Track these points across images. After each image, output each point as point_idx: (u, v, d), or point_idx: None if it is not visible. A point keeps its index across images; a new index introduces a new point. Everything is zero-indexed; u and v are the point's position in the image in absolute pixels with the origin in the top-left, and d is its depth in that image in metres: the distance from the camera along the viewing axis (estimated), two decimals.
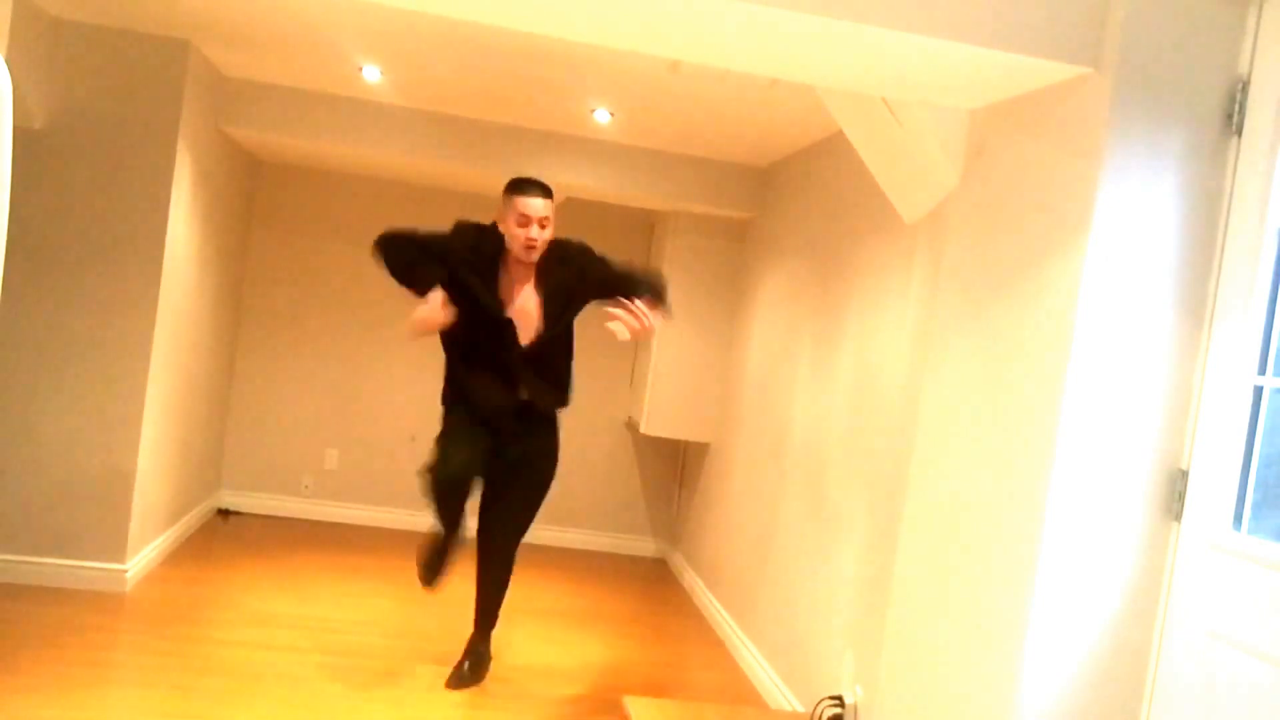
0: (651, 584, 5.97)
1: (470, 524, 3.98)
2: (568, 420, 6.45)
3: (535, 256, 3.71)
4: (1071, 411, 2.13)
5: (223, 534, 5.76)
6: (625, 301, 3.56)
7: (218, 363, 5.83)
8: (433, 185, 6.32)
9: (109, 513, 4.44)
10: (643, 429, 5.88)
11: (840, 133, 4.16)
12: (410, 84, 4.76)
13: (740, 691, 4.30)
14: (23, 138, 4.27)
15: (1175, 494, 2.15)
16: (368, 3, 3.46)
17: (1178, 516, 2.15)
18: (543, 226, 3.67)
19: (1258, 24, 2.11)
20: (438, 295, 3.57)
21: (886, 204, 3.57)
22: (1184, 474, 2.14)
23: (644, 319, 3.53)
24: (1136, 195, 2.12)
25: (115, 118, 4.39)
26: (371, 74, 4.63)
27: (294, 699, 3.60)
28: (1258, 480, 2.03)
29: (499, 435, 3.82)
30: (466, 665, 3.95)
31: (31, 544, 4.40)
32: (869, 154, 3.17)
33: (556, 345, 3.88)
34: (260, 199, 6.22)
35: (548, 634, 4.72)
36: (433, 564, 3.87)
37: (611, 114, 4.81)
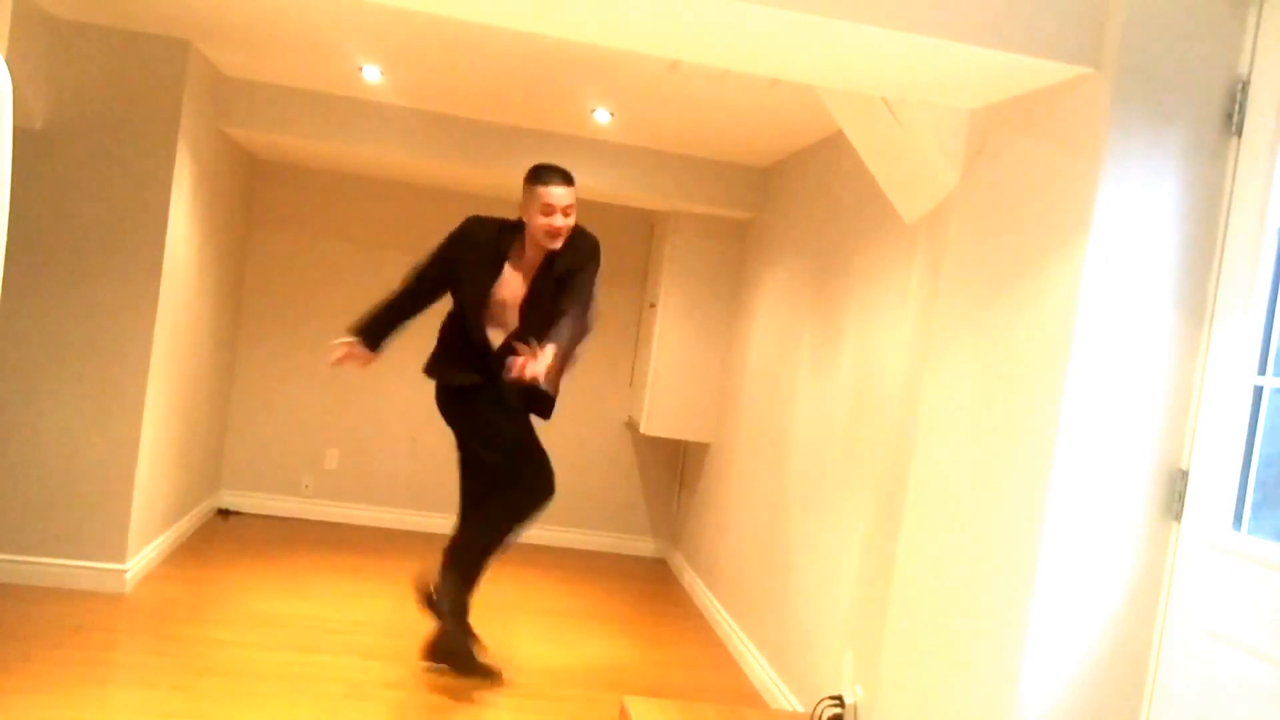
0: (651, 584, 5.97)
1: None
2: (567, 420, 6.47)
3: (559, 243, 3.76)
4: (1071, 411, 2.13)
5: (223, 534, 5.76)
6: (527, 347, 3.49)
7: (218, 363, 5.82)
8: (432, 185, 6.32)
9: (109, 513, 4.44)
10: (643, 429, 5.88)
11: (840, 133, 4.16)
12: (410, 84, 4.76)
13: (740, 691, 4.30)
14: (23, 138, 4.27)
15: (1175, 494, 2.15)
16: (368, 3, 3.46)
17: (1178, 516, 2.15)
18: (566, 214, 3.73)
19: (1258, 24, 2.11)
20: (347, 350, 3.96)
21: (886, 204, 3.57)
22: (1184, 474, 2.14)
23: (529, 366, 3.40)
24: (1136, 195, 2.12)
25: (115, 118, 4.39)
26: (371, 74, 4.63)
27: (294, 699, 3.60)
28: (1258, 480, 2.03)
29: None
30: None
31: (31, 544, 4.40)
32: (869, 154, 3.17)
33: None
34: (260, 199, 6.22)
35: (548, 634, 4.72)
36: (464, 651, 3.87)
37: (611, 114, 4.81)
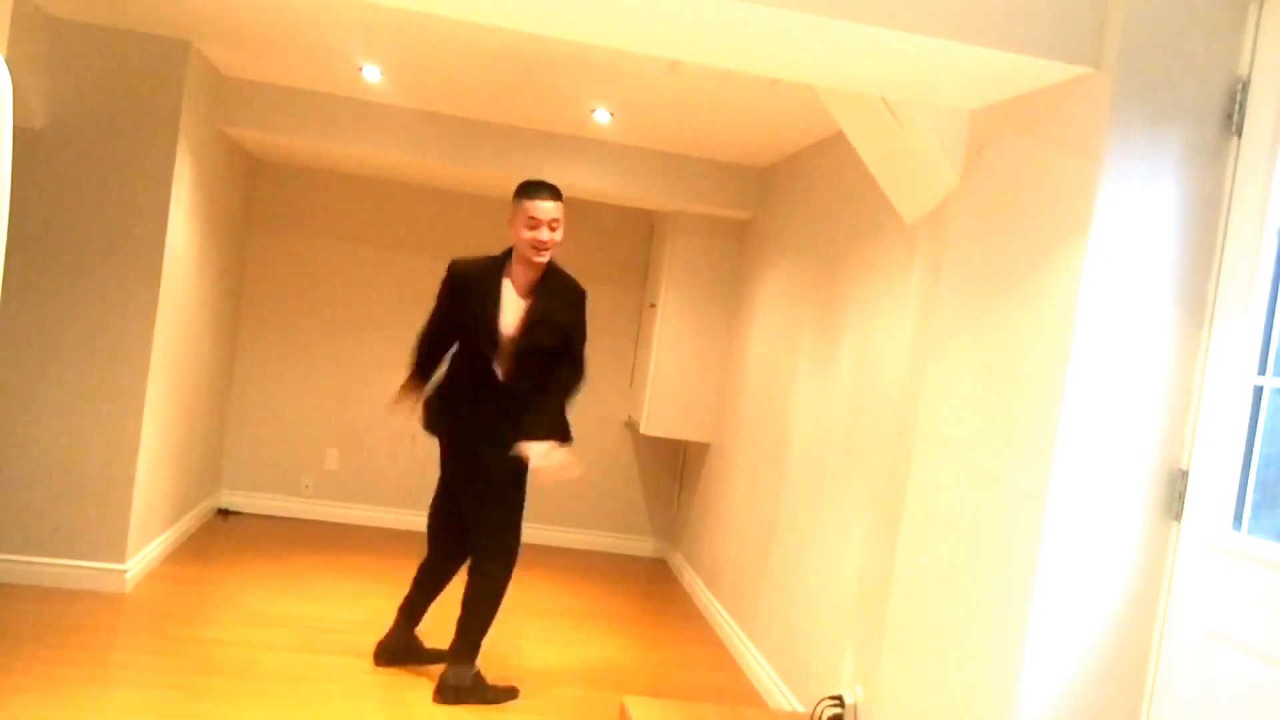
0: (651, 584, 5.97)
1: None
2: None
3: (545, 258, 3.75)
4: (1071, 411, 2.13)
5: (223, 534, 5.76)
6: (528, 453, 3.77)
7: (218, 363, 5.83)
8: (433, 185, 6.32)
9: (109, 513, 4.44)
10: (643, 429, 5.88)
11: (840, 133, 4.16)
12: (410, 84, 4.76)
13: (740, 691, 4.30)
14: (23, 138, 4.27)
15: (1175, 494, 2.15)
16: (368, 3, 3.46)
17: (1178, 516, 2.15)
18: (552, 229, 3.72)
19: (1258, 24, 2.11)
20: (407, 405, 3.97)
21: (886, 204, 3.57)
22: (1184, 474, 2.14)
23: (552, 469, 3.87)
24: (1136, 195, 2.13)
25: (115, 118, 4.39)
26: (371, 74, 4.63)
27: (294, 699, 3.60)
28: (1258, 480, 2.03)
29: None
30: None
31: (31, 544, 4.40)
32: (869, 154, 3.17)
33: (530, 377, 3.82)
34: (260, 199, 6.22)
35: (548, 634, 4.72)
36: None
37: (611, 114, 4.81)
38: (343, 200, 6.31)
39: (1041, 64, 2.23)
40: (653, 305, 6.03)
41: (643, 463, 6.61)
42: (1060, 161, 2.26)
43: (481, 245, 4.02)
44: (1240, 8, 2.13)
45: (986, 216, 2.55)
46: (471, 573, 3.86)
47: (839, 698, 3.25)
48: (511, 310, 3.77)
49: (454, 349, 3.92)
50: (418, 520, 6.28)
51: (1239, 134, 2.11)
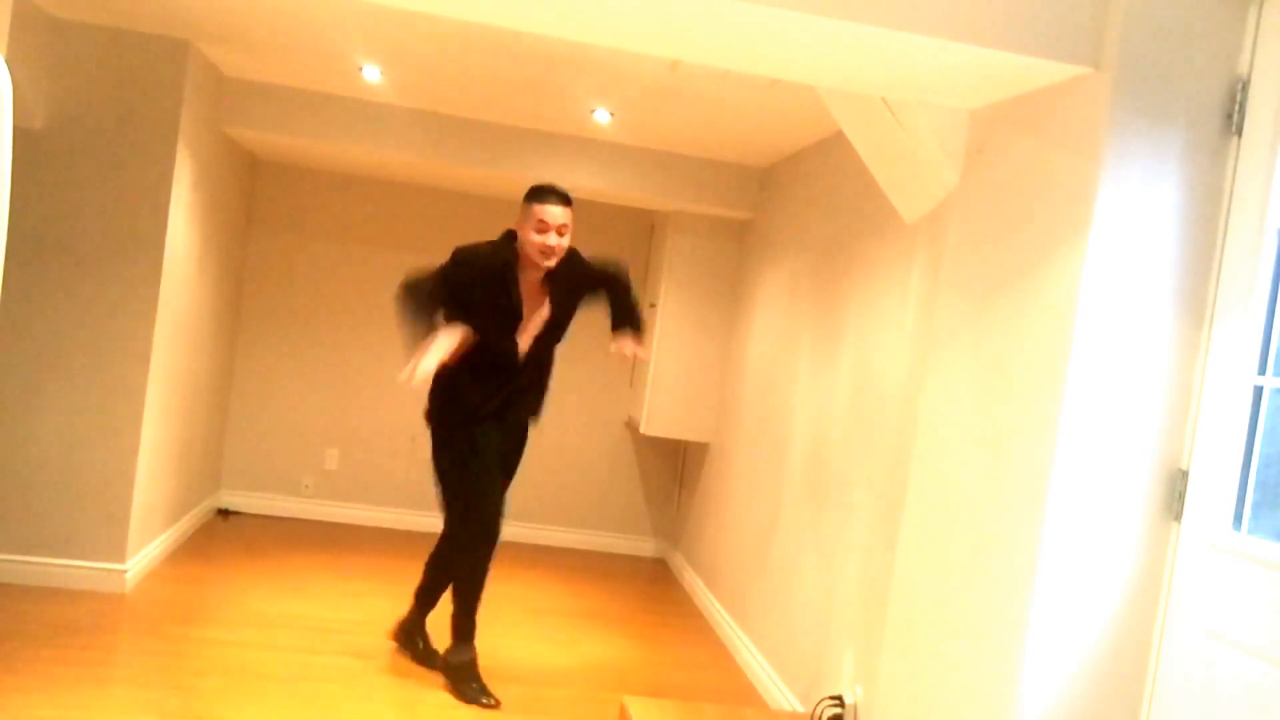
0: (651, 584, 5.97)
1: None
2: (567, 420, 6.47)
3: (552, 263, 3.76)
4: (1071, 411, 2.13)
5: (223, 534, 5.76)
6: (622, 341, 3.90)
7: (218, 363, 5.83)
8: (433, 185, 6.32)
9: (109, 513, 4.44)
10: (643, 429, 5.88)
11: (840, 133, 4.16)
12: (410, 84, 4.76)
13: (740, 691, 4.30)
14: (23, 138, 4.27)
15: (1175, 494, 2.15)
16: (368, 3, 3.46)
17: (1178, 516, 2.15)
18: (561, 234, 3.74)
19: (1258, 24, 2.11)
20: (456, 333, 3.67)
21: (886, 204, 3.57)
22: (1184, 474, 2.14)
23: (637, 353, 3.92)
24: (1136, 195, 2.13)
25: (115, 118, 4.39)
26: (371, 74, 4.63)
27: (294, 699, 3.60)
28: (1258, 480, 2.03)
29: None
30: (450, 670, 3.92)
31: (31, 544, 4.40)
32: (869, 154, 3.17)
33: (546, 355, 3.99)
34: (260, 199, 6.22)
35: (548, 634, 4.72)
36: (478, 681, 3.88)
37: (611, 114, 4.81)
38: (343, 200, 6.31)
39: (1041, 64, 2.23)
40: (653, 305, 6.03)
41: (643, 463, 6.61)
42: (1060, 161, 2.26)
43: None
44: (1240, 8, 2.13)
45: (986, 217, 2.55)
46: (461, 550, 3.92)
47: (839, 698, 3.25)
48: (528, 300, 3.83)
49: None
50: (418, 520, 6.29)
51: (1239, 134, 2.11)
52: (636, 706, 3.21)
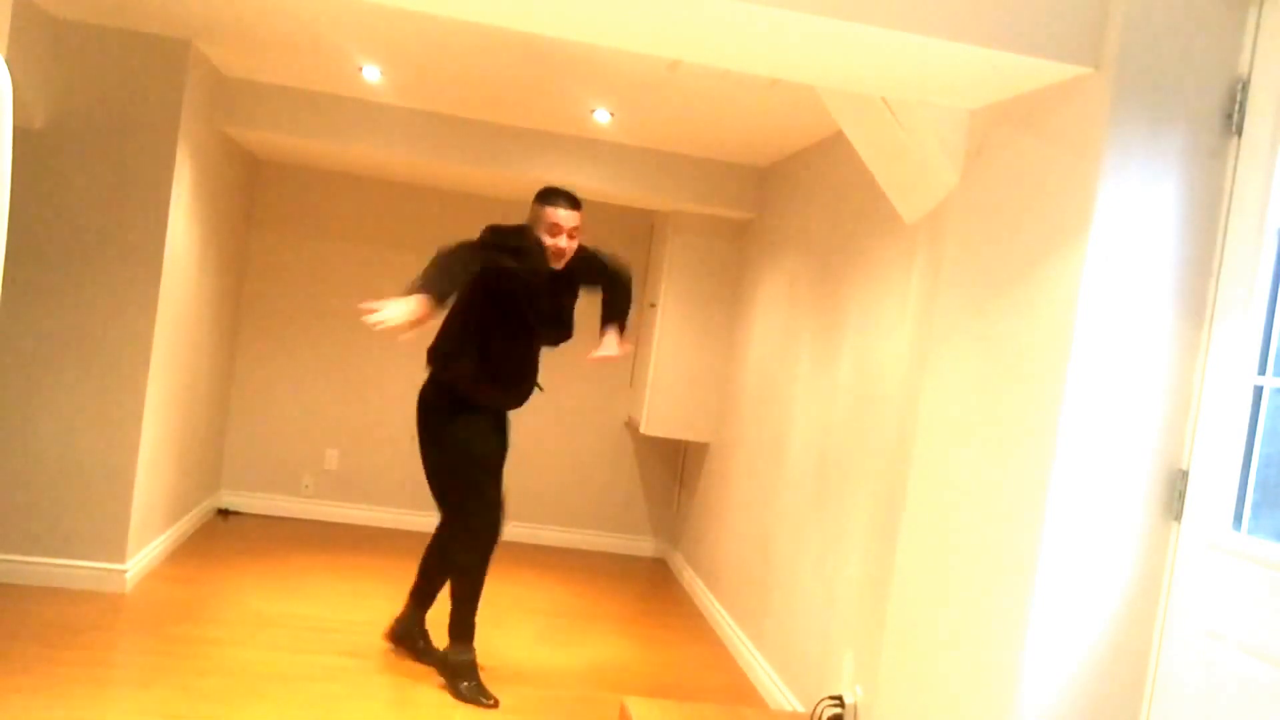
0: (651, 584, 5.97)
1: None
2: (567, 420, 6.47)
3: (562, 264, 3.84)
4: (1071, 411, 2.13)
5: (223, 534, 5.76)
6: (605, 339, 3.96)
7: (218, 363, 5.83)
8: (433, 185, 6.32)
9: (109, 513, 4.44)
10: (643, 429, 5.88)
11: (840, 133, 4.16)
12: (410, 84, 4.76)
13: (740, 691, 4.30)
14: (23, 138, 4.27)
15: (1175, 494, 2.15)
16: (368, 3, 3.46)
17: (1178, 516, 2.15)
18: (571, 236, 3.81)
19: (1258, 24, 2.11)
20: (418, 301, 3.34)
21: (886, 204, 3.57)
22: (1184, 474, 2.14)
23: (618, 352, 3.95)
24: (1136, 195, 2.12)
25: (115, 118, 4.39)
26: (371, 74, 4.63)
27: (294, 699, 3.60)
28: (1258, 480, 2.03)
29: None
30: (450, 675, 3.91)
31: (31, 544, 4.40)
32: (869, 154, 3.17)
33: (540, 349, 4.08)
34: (260, 199, 6.22)
35: (548, 634, 4.72)
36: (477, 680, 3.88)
37: (611, 114, 4.81)
38: (343, 200, 6.31)
39: (1041, 64, 2.23)
40: (653, 305, 6.03)
41: (643, 463, 6.61)
42: (1060, 161, 2.26)
43: None
44: (1240, 8, 2.13)
45: (986, 217, 2.55)
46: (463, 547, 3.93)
47: (839, 698, 3.25)
48: (544, 291, 3.89)
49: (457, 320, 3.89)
50: (418, 520, 6.28)
51: (1239, 134, 2.11)
52: (636, 706, 3.21)
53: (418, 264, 6.30)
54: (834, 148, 4.41)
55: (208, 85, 4.81)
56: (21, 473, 4.39)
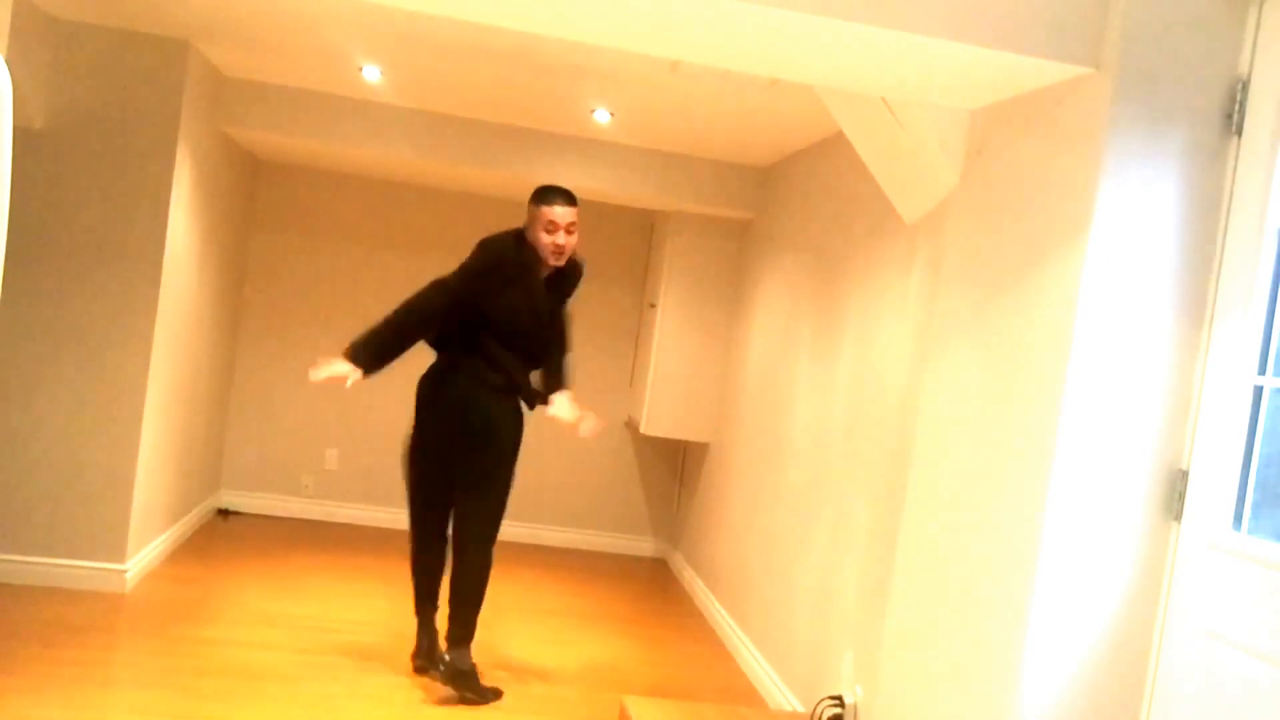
0: (651, 584, 5.97)
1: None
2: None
3: (563, 261, 3.86)
4: (1071, 411, 2.13)
5: (223, 534, 5.76)
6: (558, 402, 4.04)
7: (218, 363, 5.83)
8: (432, 185, 6.32)
9: (109, 513, 4.44)
10: (643, 429, 5.88)
11: (840, 133, 4.16)
12: (410, 84, 4.76)
13: (740, 691, 4.30)
14: (23, 138, 4.27)
15: (1175, 494, 2.15)
16: (368, 3, 3.46)
17: (1178, 516, 2.15)
18: (569, 233, 3.83)
19: (1258, 24, 2.11)
20: (346, 371, 3.68)
21: (887, 204, 3.57)
22: (1184, 474, 2.14)
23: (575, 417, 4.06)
24: (1136, 195, 2.12)
25: (115, 118, 4.39)
26: (371, 74, 4.63)
27: (294, 699, 3.60)
28: (1258, 480, 2.03)
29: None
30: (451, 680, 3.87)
31: (31, 544, 4.40)
32: (869, 154, 3.17)
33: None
34: (260, 199, 6.22)
35: (548, 634, 4.72)
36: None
37: (611, 114, 4.81)
38: (343, 200, 6.31)
39: (1041, 64, 2.23)
40: (653, 305, 6.03)
41: (643, 463, 6.61)
42: (1060, 161, 2.26)
43: None
44: (1240, 8, 2.13)
45: (986, 217, 2.55)
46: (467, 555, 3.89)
47: (839, 698, 3.25)
48: (539, 297, 3.90)
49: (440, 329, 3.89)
50: None
51: (1239, 134, 2.11)
52: (636, 706, 3.21)
53: (417, 264, 6.31)
54: (834, 148, 4.41)
55: (207, 85, 4.81)
56: (21, 473, 4.39)
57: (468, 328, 3.81)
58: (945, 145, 2.70)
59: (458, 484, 3.88)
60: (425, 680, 3.91)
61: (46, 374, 4.38)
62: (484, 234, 3.97)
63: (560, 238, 3.80)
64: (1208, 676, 2.01)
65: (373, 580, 5.19)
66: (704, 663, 4.63)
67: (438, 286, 3.78)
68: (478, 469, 3.84)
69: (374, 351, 3.72)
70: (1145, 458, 2.15)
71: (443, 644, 3.86)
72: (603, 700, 3.97)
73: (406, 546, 4.09)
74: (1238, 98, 2.12)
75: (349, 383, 3.67)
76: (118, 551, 4.46)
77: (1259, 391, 2.03)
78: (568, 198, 3.84)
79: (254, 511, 6.27)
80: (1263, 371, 2.03)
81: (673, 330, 5.84)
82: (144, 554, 4.72)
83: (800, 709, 3.78)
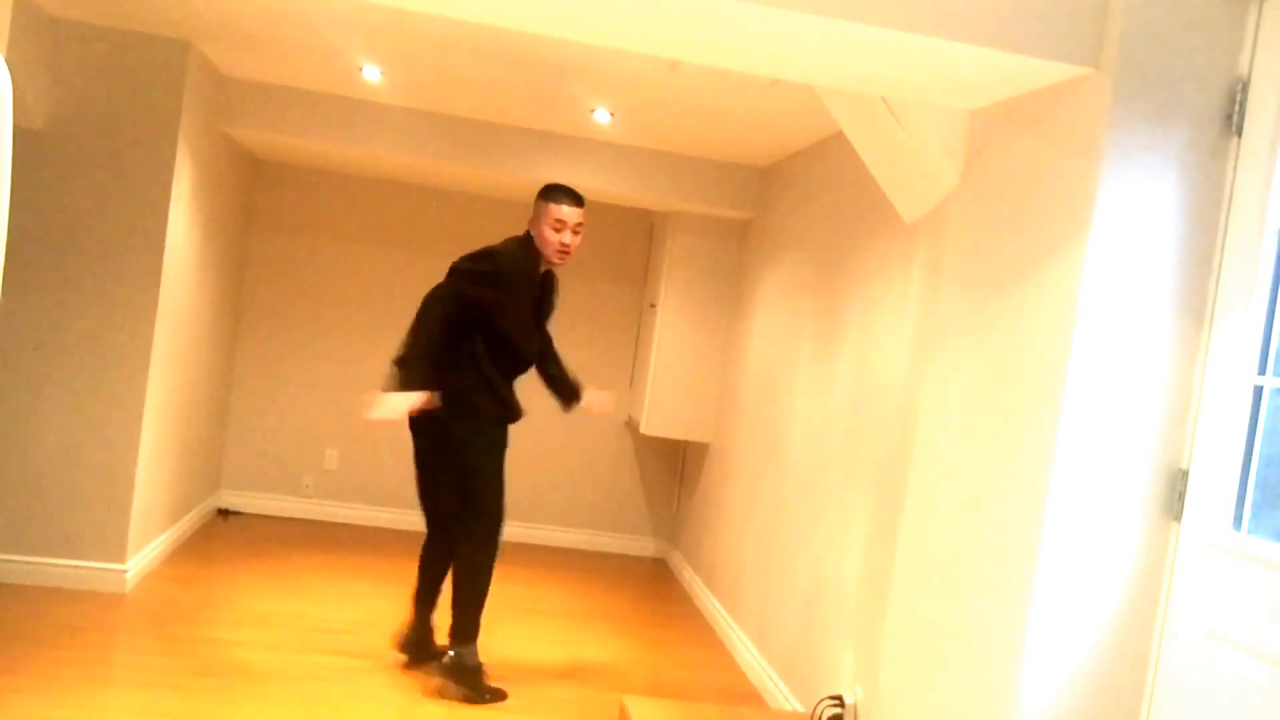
0: (651, 584, 5.97)
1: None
2: (567, 420, 6.46)
3: (565, 261, 3.89)
4: (1071, 411, 2.13)
5: (223, 534, 5.76)
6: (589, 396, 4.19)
7: (218, 363, 5.83)
8: (432, 185, 6.32)
9: (109, 513, 4.44)
10: (643, 429, 5.88)
11: (840, 133, 4.16)
12: (410, 84, 4.76)
13: (740, 691, 4.30)
14: (23, 138, 4.27)
15: (1175, 494, 2.15)
16: (368, 3, 3.46)
17: (1178, 516, 2.15)
18: (576, 233, 3.85)
19: (1258, 24, 2.11)
20: (421, 398, 3.63)
21: (886, 204, 3.57)
22: (1184, 474, 2.14)
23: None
24: (1136, 195, 2.13)
25: (115, 118, 4.39)
26: (371, 74, 4.63)
27: (294, 699, 3.60)
28: (1258, 480, 2.03)
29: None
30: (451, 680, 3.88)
31: (31, 544, 4.40)
32: (869, 154, 3.17)
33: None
34: (260, 199, 6.22)
35: (548, 634, 4.72)
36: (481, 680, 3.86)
37: (611, 114, 4.81)
38: (343, 200, 6.31)
39: (1041, 64, 2.23)
40: (653, 305, 6.03)
41: (643, 463, 6.61)
42: (1060, 161, 2.26)
43: (481, 245, 4.01)
44: (1240, 8, 2.13)
45: (986, 216, 2.55)
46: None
47: (839, 698, 3.25)
48: (534, 306, 3.95)
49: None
50: (418, 520, 6.28)
51: (1239, 134, 2.11)
52: (636, 706, 3.21)
53: (417, 264, 6.30)
54: (834, 148, 4.41)
55: (208, 85, 4.81)
56: (22, 473, 4.39)
57: (457, 335, 3.82)
58: (945, 145, 2.70)
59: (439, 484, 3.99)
60: (425, 680, 3.91)
61: (47, 374, 4.38)
62: (484, 234, 3.98)
63: (567, 237, 3.82)
64: (1208, 676, 2.01)
65: (373, 580, 5.19)
66: (704, 663, 4.63)
67: (437, 298, 3.79)
68: (446, 466, 3.93)
69: (424, 377, 3.68)
70: (1145, 458, 2.15)
71: (445, 639, 3.89)
72: (602, 700, 3.97)
73: (406, 546, 4.10)
74: (1238, 98, 2.12)
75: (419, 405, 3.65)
76: (118, 551, 4.46)
77: (1259, 391, 2.03)
78: (576, 198, 3.87)
79: (254, 511, 6.27)
80: (1263, 371, 2.03)
81: (673, 330, 5.84)
82: (144, 554, 4.72)
83: (800, 709, 3.78)
